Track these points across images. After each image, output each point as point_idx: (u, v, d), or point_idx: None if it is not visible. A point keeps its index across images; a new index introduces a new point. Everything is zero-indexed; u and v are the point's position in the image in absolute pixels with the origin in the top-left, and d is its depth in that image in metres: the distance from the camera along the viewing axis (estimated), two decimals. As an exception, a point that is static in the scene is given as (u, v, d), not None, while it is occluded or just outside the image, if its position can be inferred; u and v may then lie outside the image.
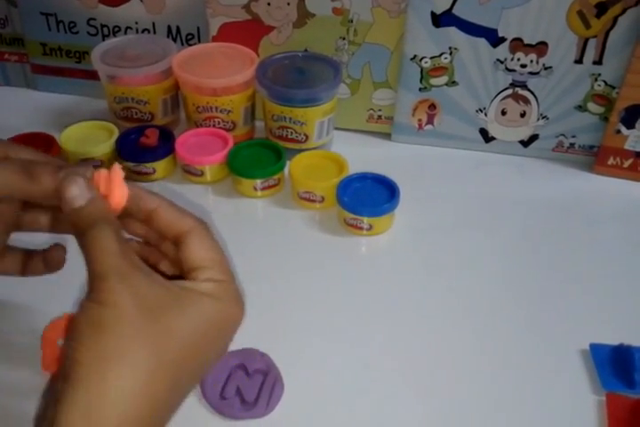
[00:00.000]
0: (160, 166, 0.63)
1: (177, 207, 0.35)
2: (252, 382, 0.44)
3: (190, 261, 0.34)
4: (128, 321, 0.30)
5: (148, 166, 0.62)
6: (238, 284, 0.35)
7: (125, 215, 0.35)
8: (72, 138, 0.63)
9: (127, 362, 0.29)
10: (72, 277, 0.52)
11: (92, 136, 0.64)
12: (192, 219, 0.35)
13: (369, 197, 0.58)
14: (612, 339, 0.49)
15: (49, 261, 0.41)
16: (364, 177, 0.60)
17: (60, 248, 0.40)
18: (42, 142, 0.63)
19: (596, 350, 0.48)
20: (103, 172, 0.34)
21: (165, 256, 0.36)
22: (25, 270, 0.41)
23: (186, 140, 0.63)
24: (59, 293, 0.52)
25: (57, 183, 0.33)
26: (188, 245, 0.34)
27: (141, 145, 0.63)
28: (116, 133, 0.64)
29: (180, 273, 0.34)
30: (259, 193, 0.62)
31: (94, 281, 0.31)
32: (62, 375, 0.29)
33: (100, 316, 0.30)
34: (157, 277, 0.32)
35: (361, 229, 0.58)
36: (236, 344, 0.47)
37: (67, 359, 0.30)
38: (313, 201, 0.61)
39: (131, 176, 0.63)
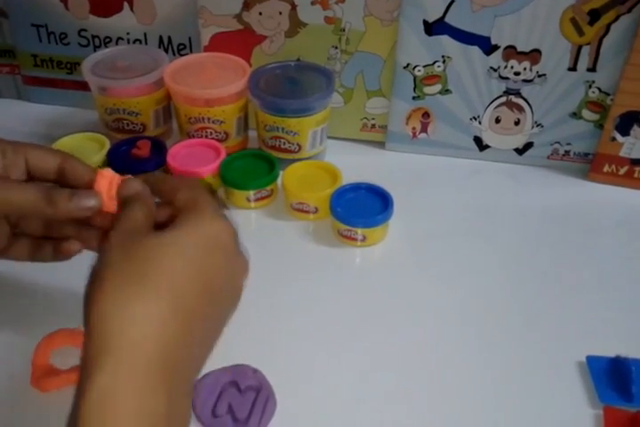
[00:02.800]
0: (152, 178, 0.62)
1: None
2: (244, 399, 0.44)
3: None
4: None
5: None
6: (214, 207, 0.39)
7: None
8: (63, 150, 0.62)
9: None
10: (64, 293, 0.53)
11: (83, 148, 0.63)
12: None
13: (362, 207, 0.58)
14: (610, 350, 0.48)
15: (59, 250, 0.44)
16: (357, 187, 0.60)
17: (73, 242, 0.44)
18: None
19: (592, 362, 0.48)
20: (107, 175, 0.40)
21: None
22: (33, 257, 0.44)
23: (178, 152, 0.63)
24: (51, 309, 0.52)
25: (69, 208, 0.39)
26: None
27: (133, 157, 0.62)
28: (108, 145, 0.63)
29: None
30: (252, 204, 0.62)
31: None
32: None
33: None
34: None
35: (355, 240, 0.58)
36: (227, 360, 0.47)
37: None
38: (306, 212, 0.60)
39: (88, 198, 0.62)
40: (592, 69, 0.61)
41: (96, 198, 0.39)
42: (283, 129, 0.63)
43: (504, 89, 0.64)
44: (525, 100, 0.64)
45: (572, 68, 0.62)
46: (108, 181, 0.40)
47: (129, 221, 0.37)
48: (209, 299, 0.36)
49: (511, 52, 0.62)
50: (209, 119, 0.64)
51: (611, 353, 0.48)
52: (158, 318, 0.33)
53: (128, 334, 0.32)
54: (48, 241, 0.45)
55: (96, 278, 0.35)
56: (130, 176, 0.41)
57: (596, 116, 0.64)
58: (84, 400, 0.30)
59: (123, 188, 0.40)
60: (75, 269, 0.54)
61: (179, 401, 0.33)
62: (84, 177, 0.41)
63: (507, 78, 0.63)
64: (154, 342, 0.32)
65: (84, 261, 0.55)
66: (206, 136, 0.65)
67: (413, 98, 0.66)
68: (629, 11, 0.57)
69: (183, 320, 0.34)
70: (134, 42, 0.70)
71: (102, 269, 0.35)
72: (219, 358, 0.46)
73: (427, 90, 0.66)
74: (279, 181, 0.62)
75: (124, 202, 0.39)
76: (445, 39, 0.62)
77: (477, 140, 0.68)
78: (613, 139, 0.63)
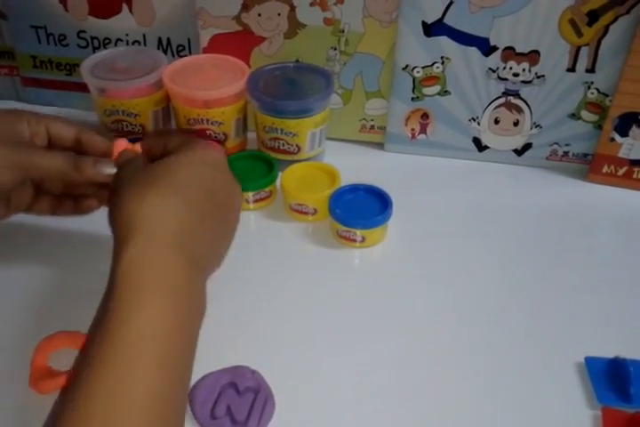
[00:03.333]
0: (151, 180, 0.62)
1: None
2: (243, 400, 0.44)
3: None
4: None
5: (138, 180, 0.62)
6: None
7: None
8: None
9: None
10: (62, 297, 0.53)
11: (82, 150, 0.63)
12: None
13: (361, 208, 0.58)
14: (608, 351, 0.48)
15: (79, 207, 0.51)
16: (356, 188, 0.60)
17: (92, 199, 0.51)
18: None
19: (591, 363, 0.48)
20: (121, 144, 0.48)
21: None
22: (55, 212, 0.51)
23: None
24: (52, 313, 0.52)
25: (93, 173, 0.46)
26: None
27: (132, 158, 0.62)
28: (107, 147, 0.63)
29: None
30: (251, 206, 0.62)
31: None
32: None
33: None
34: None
35: (354, 241, 0.58)
36: (226, 361, 0.47)
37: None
38: (305, 213, 0.60)
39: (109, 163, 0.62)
40: (591, 70, 0.62)
41: (115, 167, 0.46)
42: (282, 130, 0.63)
43: (503, 90, 0.64)
44: (524, 101, 0.64)
45: (571, 69, 0.62)
46: (123, 149, 0.47)
47: (132, 163, 0.44)
48: (214, 204, 0.42)
49: (510, 53, 0.62)
50: (208, 120, 0.64)
51: (609, 354, 0.48)
52: (174, 209, 0.39)
53: (151, 218, 0.38)
54: (68, 198, 0.51)
55: (115, 193, 0.41)
56: (138, 144, 0.48)
57: (594, 117, 0.64)
58: (117, 268, 0.36)
59: (118, 157, 0.47)
60: (73, 272, 0.55)
61: (196, 284, 0.39)
62: (101, 146, 0.48)
63: (505, 79, 0.63)
64: (173, 225, 0.38)
65: (83, 263, 0.55)
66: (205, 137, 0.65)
67: (412, 99, 0.66)
68: (628, 12, 0.57)
69: (195, 214, 0.40)
70: (133, 43, 0.70)
71: (119, 185, 0.41)
72: (217, 360, 0.46)
73: (426, 91, 0.66)
74: (278, 182, 0.62)
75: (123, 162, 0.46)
76: (444, 40, 0.62)
77: (476, 141, 0.68)
78: (612, 140, 0.64)
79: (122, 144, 0.48)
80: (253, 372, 0.46)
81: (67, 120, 0.49)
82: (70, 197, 0.51)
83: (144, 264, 0.36)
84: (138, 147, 0.48)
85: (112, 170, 0.46)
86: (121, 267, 0.36)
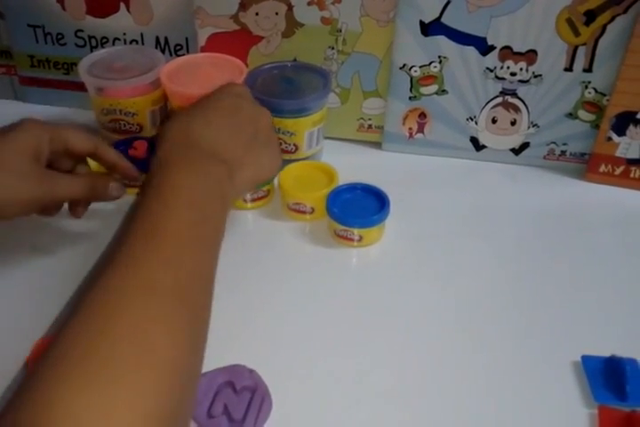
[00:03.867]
0: (148, 179, 0.62)
1: None
2: (240, 399, 0.44)
3: None
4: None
5: (136, 179, 0.62)
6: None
7: None
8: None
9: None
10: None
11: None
12: None
13: (359, 207, 0.58)
14: (605, 350, 0.48)
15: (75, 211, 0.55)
16: (353, 187, 0.60)
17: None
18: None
19: (587, 361, 0.48)
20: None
21: None
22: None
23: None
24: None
25: (110, 193, 0.52)
26: None
27: (130, 157, 0.62)
28: (104, 146, 0.63)
29: None
30: (249, 205, 0.62)
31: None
32: None
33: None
34: None
35: (351, 240, 0.58)
36: (223, 360, 0.47)
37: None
38: (303, 212, 0.61)
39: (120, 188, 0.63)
40: (588, 70, 0.62)
41: (124, 190, 0.53)
42: (279, 129, 0.63)
43: (500, 89, 0.64)
44: (522, 100, 0.65)
45: (568, 69, 0.62)
46: None
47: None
48: (239, 119, 0.51)
49: (507, 52, 0.62)
50: (205, 120, 0.63)
51: (606, 353, 0.48)
52: (196, 121, 0.49)
53: (172, 129, 0.49)
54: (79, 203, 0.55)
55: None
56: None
57: (592, 117, 0.64)
58: (152, 169, 0.45)
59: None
60: (72, 272, 0.55)
61: (208, 184, 0.45)
62: (113, 160, 0.54)
63: (503, 79, 0.64)
64: (196, 131, 0.48)
65: (82, 266, 0.55)
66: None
67: (410, 98, 0.66)
68: (625, 11, 0.58)
69: (217, 126, 0.49)
70: (131, 42, 0.70)
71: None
72: (215, 359, 0.46)
73: (423, 90, 0.66)
74: (276, 181, 0.62)
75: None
76: (442, 40, 0.62)
77: (474, 141, 0.68)
78: (609, 139, 0.64)
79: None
80: (251, 371, 0.46)
81: (86, 135, 0.52)
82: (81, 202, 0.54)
83: (169, 164, 0.45)
84: None
85: (122, 192, 0.53)
86: (155, 166, 0.45)
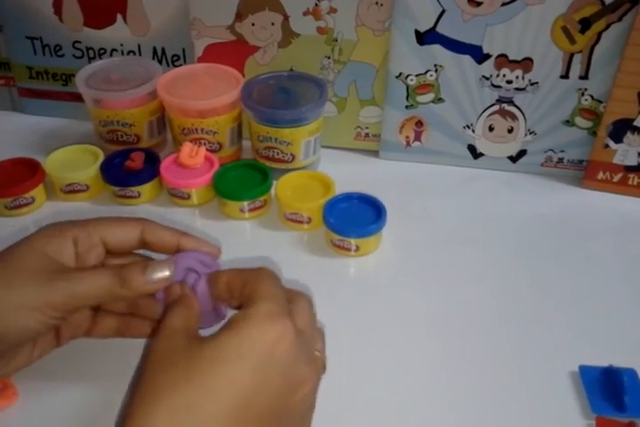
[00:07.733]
0: (145, 190, 0.62)
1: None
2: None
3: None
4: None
5: (133, 190, 0.62)
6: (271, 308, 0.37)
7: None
8: (57, 163, 0.63)
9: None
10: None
11: (77, 160, 0.64)
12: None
13: (355, 217, 0.58)
14: (603, 360, 0.48)
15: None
16: (349, 197, 0.60)
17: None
18: (26, 168, 0.62)
19: (585, 372, 0.48)
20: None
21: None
22: (121, 334, 0.44)
23: (171, 163, 0.63)
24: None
25: (143, 283, 0.38)
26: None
27: (127, 169, 0.62)
28: (102, 157, 0.63)
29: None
30: (246, 215, 0.62)
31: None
32: None
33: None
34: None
35: (348, 250, 0.58)
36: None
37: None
38: (300, 222, 0.61)
39: (115, 200, 0.63)
40: (584, 77, 0.62)
41: (170, 268, 0.39)
42: (276, 139, 0.63)
43: (497, 97, 0.64)
44: (518, 108, 0.65)
45: (565, 76, 0.62)
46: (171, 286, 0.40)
47: (166, 329, 0.36)
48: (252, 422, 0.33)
49: (503, 60, 0.62)
50: (202, 130, 0.64)
51: (604, 363, 0.48)
52: None
53: None
54: (136, 317, 0.44)
55: (138, 372, 0.34)
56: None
57: (589, 124, 0.64)
58: None
59: (167, 295, 0.40)
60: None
61: None
62: (170, 242, 0.41)
63: (499, 87, 0.64)
64: None
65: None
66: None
67: (406, 107, 0.67)
68: (620, 19, 0.57)
69: None
70: (128, 53, 0.70)
71: (146, 360, 0.34)
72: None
73: (420, 99, 0.66)
74: (273, 191, 0.62)
75: (167, 308, 0.38)
76: (437, 48, 0.62)
77: (471, 149, 0.68)
78: (607, 146, 0.63)
79: (188, 146, 0.58)
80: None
81: (125, 223, 0.42)
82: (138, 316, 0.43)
83: None
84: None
85: (165, 273, 0.38)
86: None
